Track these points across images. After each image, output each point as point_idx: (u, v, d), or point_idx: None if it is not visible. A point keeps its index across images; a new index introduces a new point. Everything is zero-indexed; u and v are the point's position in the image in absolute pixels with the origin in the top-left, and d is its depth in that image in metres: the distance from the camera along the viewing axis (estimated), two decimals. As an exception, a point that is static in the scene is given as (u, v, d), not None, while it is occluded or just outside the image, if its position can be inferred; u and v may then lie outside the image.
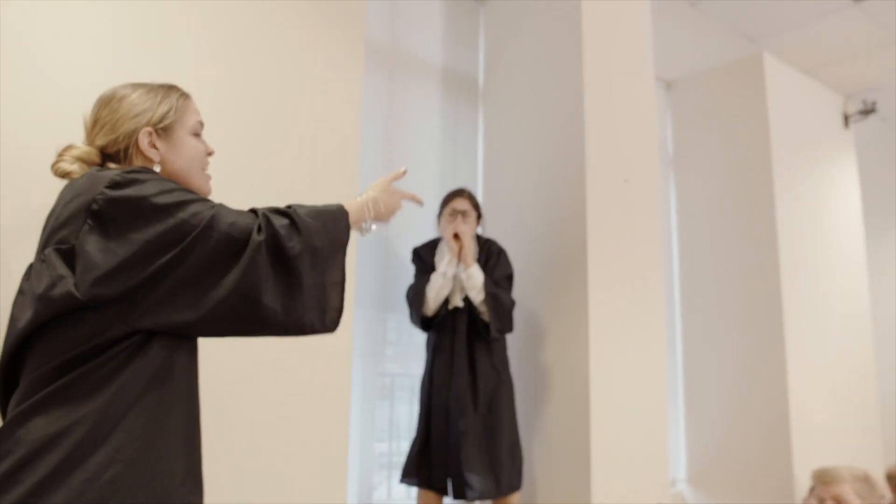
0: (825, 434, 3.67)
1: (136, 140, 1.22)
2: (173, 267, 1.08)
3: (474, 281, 2.48)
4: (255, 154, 2.07)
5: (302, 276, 1.16)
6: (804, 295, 3.77)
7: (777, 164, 3.79)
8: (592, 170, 2.78)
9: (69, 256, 1.08)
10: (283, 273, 1.15)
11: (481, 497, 2.41)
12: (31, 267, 1.16)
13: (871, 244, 4.66)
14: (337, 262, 1.24)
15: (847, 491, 2.17)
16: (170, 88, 1.30)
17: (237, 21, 2.08)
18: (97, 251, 1.06)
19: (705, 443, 3.79)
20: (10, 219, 1.59)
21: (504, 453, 2.42)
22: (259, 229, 1.14)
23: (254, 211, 1.19)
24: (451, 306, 2.51)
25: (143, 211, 1.08)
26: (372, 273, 2.79)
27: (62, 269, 1.07)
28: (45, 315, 1.06)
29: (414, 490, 2.59)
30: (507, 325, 2.53)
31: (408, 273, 2.70)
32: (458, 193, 2.63)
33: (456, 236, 2.52)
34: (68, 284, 1.05)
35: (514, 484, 2.44)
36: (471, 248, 2.54)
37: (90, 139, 1.25)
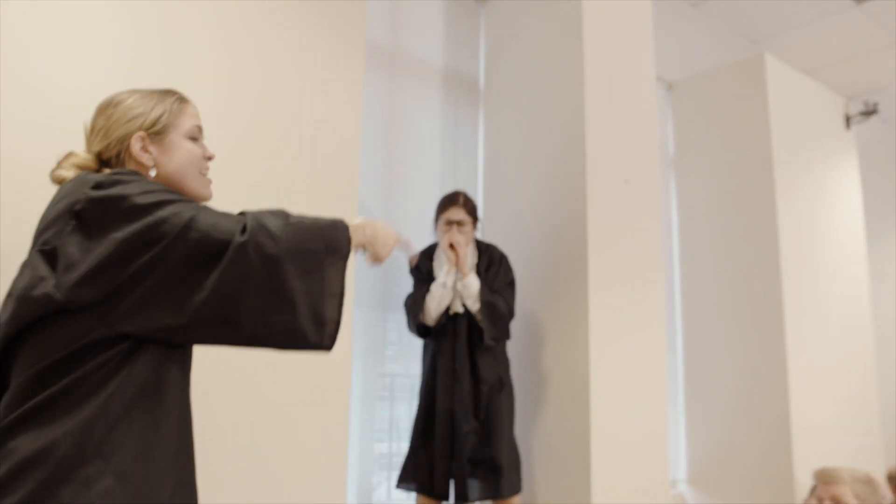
0: (825, 434, 3.67)
1: (129, 145, 1.21)
2: (153, 267, 1.05)
3: (470, 290, 2.48)
4: (255, 154, 2.07)
5: (288, 280, 1.10)
6: (805, 295, 3.77)
7: (778, 165, 3.79)
8: (593, 170, 2.77)
9: (52, 257, 1.07)
10: (268, 276, 1.09)
11: (483, 500, 2.42)
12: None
13: (872, 245, 4.66)
14: (334, 271, 1.16)
15: (846, 492, 2.16)
16: (166, 93, 1.29)
17: (237, 21, 2.08)
18: (78, 251, 1.05)
19: (705, 443, 3.79)
20: (10, 219, 1.59)
21: (504, 456, 2.43)
22: (243, 230, 1.10)
23: (242, 214, 1.15)
24: (451, 312, 2.51)
25: (123, 210, 1.07)
26: (372, 273, 2.79)
27: (44, 270, 1.06)
28: (26, 316, 1.05)
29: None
30: (503, 334, 2.52)
31: (407, 273, 2.69)
32: (453, 201, 2.59)
33: (452, 246, 2.52)
34: (48, 286, 1.04)
35: (515, 486, 2.45)
36: (466, 258, 2.54)
37: (88, 146, 1.25)
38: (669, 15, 3.51)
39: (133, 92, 1.27)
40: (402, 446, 2.76)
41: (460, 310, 2.50)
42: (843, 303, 4.09)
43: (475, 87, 3.31)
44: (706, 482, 3.75)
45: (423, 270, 2.59)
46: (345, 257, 1.19)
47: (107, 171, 1.21)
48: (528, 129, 3.02)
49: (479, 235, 2.72)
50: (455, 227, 2.54)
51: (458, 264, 2.50)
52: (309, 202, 2.16)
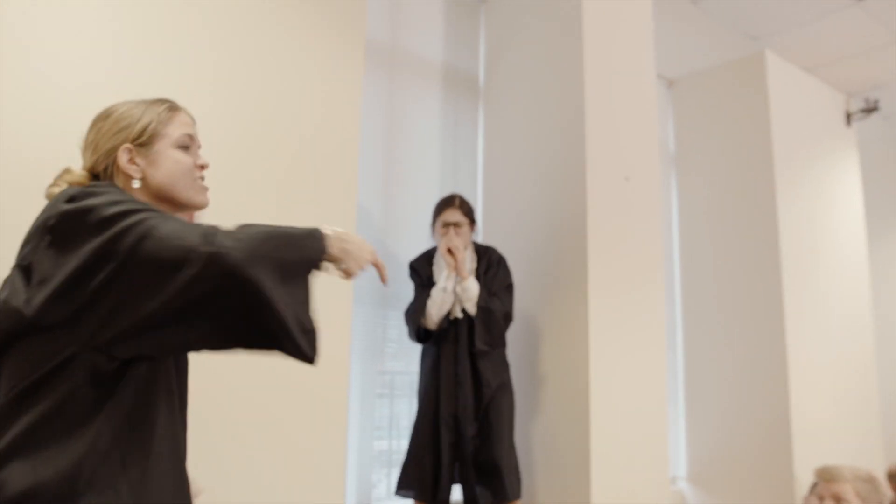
0: (825, 434, 3.67)
1: (115, 158, 1.19)
2: (114, 280, 1.02)
3: (470, 293, 2.48)
4: (255, 154, 2.07)
5: (264, 289, 1.03)
6: (805, 294, 3.77)
7: (779, 162, 3.79)
8: (593, 168, 2.77)
9: (28, 273, 1.06)
10: (235, 284, 1.03)
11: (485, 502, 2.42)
12: None
13: (873, 243, 4.65)
14: (306, 279, 1.12)
15: (847, 490, 2.16)
16: (156, 102, 1.26)
17: (237, 21, 2.08)
18: (50, 267, 1.04)
19: (705, 442, 3.79)
20: (10, 219, 1.59)
21: (504, 459, 2.43)
22: (206, 239, 1.03)
23: (213, 227, 1.10)
24: (451, 317, 2.52)
25: (90, 223, 1.04)
26: (371, 271, 2.78)
27: (19, 284, 1.05)
28: (5, 330, 1.04)
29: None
30: (497, 340, 2.52)
31: (407, 270, 2.69)
32: (449, 203, 2.59)
33: (450, 251, 2.52)
34: (19, 300, 1.03)
35: (516, 488, 2.45)
36: (465, 261, 2.54)
37: (83, 161, 1.24)
38: (670, 12, 3.51)
39: (125, 103, 1.25)
40: (402, 444, 2.76)
41: (460, 315, 2.50)
42: (843, 302, 4.09)
43: (475, 86, 3.31)
44: (706, 481, 3.76)
45: (423, 275, 2.58)
46: (313, 263, 1.15)
47: None
48: (528, 129, 3.02)
49: (479, 235, 2.72)
50: (452, 230, 2.53)
51: (457, 268, 2.50)
52: (309, 202, 2.17)
